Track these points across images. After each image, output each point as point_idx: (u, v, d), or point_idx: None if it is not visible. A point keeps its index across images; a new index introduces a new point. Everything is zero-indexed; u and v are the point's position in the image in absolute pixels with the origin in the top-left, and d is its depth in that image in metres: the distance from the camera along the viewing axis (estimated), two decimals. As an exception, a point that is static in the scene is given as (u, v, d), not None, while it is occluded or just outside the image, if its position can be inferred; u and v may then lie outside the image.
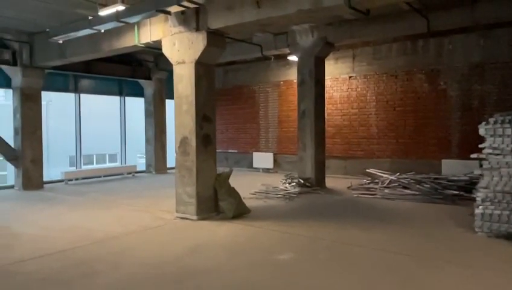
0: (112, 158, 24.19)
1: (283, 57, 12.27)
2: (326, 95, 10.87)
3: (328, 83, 11.90)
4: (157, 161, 14.02)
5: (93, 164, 24.01)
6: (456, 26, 9.38)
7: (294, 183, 9.99)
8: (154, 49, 8.71)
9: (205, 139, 7.26)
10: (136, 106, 15.00)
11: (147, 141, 14.24)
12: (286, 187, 9.87)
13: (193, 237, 6.13)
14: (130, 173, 13.51)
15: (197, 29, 7.00)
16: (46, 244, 5.74)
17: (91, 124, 13.47)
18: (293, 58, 11.11)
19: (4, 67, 10.55)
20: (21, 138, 10.65)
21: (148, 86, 14.08)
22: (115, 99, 14.45)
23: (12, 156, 10.62)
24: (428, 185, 8.78)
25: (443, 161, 10.38)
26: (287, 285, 4.25)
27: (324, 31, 9.85)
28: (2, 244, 5.71)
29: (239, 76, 14.78)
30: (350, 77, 12.28)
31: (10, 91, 11.20)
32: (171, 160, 14.83)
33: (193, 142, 7.11)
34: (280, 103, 13.84)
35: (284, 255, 5.21)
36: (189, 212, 7.08)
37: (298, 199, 8.96)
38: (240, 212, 7.26)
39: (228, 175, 7.50)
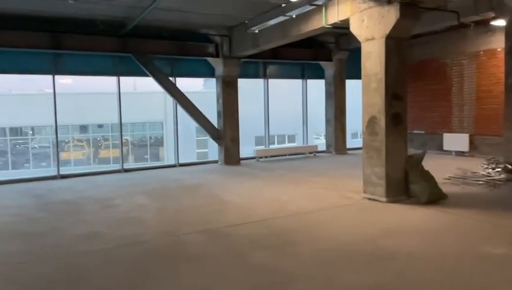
0: (291, 139, 25.69)
1: (484, 22, 10.56)
2: (546, 63, 8.90)
3: (548, 48, 9.70)
4: (337, 142, 14.16)
5: (274, 143, 26.08)
6: None
7: (499, 169, 8.62)
8: (338, 28, 8.67)
9: (395, 118, 6.92)
10: (311, 87, 15.34)
11: (327, 121, 14.49)
12: (489, 173, 8.61)
13: (384, 219, 5.98)
14: (311, 153, 14.07)
15: (389, 2, 6.64)
16: (249, 212, 6.52)
17: (272, 107, 14.47)
18: (499, 22, 9.45)
19: (209, 59, 12.30)
20: (223, 120, 12.32)
21: (328, 68, 14.23)
22: (291, 82, 15.14)
23: (216, 135, 12.42)
24: None
25: None
26: (504, 284, 3.72)
27: (546, -16, 8.01)
28: (217, 209, 6.76)
29: (426, 49, 13.47)
30: None
31: (209, 80, 12.99)
32: (349, 140, 14.82)
33: (382, 121, 6.87)
34: (479, 77, 12.04)
35: (496, 249, 4.57)
36: (377, 193, 6.93)
37: (505, 187, 7.71)
38: (435, 197, 6.69)
39: (421, 157, 6.99)
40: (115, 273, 4.23)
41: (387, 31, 6.73)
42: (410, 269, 4.10)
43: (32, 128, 24.21)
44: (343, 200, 7.13)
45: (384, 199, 6.80)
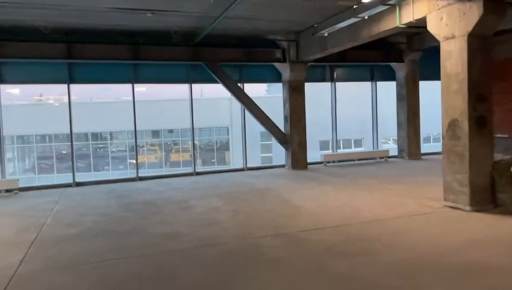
0: (357, 143, 24.97)
1: None
2: None
3: None
4: (410, 146, 13.50)
5: (340, 148, 25.52)
6: None
7: None
8: (412, 28, 8.32)
9: (479, 122, 6.47)
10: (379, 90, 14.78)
11: (399, 125, 13.88)
12: None
13: (468, 229, 5.59)
14: (382, 158, 13.58)
15: (471, -2, 6.24)
16: (322, 218, 6.44)
17: (338, 111, 14.14)
18: None
19: (276, 64, 12.41)
20: (289, 124, 12.34)
21: (400, 69, 13.66)
22: (356, 85, 14.72)
23: (283, 140, 12.47)
24: None
25: None
26: None
27: None
28: (289, 214, 6.77)
29: (511, 47, 12.40)
30: None
31: (272, 86, 13.04)
32: (422, 145, 14.05)
33: (465, 125, 6.45)
34: None
35: None
36: (460, 202, 6.50)
37: None
38: (527, 207, 6.14)
39: (510, 163, 6.45)
40: (198, 273, 4.41)
41: (470, 29, 6.34)
42: (503, 283, 3.79)
43: (111, 134, 26.10)
44: (421, 208, 6.78)
45: (468, 207, 6.36)
